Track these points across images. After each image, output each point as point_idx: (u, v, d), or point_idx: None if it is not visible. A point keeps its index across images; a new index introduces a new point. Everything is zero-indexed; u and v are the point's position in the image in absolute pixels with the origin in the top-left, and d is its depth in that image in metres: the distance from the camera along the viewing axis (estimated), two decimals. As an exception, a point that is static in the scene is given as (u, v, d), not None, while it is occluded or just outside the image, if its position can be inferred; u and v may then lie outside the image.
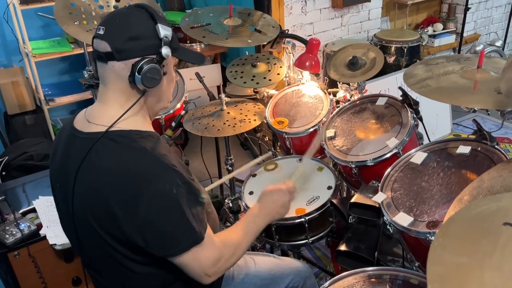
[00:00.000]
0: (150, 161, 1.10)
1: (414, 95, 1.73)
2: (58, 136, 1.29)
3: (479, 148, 1.48)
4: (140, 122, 1.19)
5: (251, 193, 1.82)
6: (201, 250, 1.12)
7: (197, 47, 3.58)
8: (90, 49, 2.54)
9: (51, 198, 1.96)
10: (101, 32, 1.13)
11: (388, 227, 1.38)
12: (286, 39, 2.31)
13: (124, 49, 1.11)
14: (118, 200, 1.09)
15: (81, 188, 1.14)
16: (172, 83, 1.28)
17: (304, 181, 1.80)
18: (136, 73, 1.12)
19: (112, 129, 1.13)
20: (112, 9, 2.18)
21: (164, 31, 1.14)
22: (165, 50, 1.14)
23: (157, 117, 2.09)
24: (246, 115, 2.04)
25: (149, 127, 1.22)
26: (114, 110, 1.16)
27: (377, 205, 1.44)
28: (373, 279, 1.28)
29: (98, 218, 1.13)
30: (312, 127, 1.95)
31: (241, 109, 2.11)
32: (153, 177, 1.08)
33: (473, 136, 1.53)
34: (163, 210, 1.09)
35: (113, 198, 1.09)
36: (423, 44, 3.66)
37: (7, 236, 1.78)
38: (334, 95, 2.14)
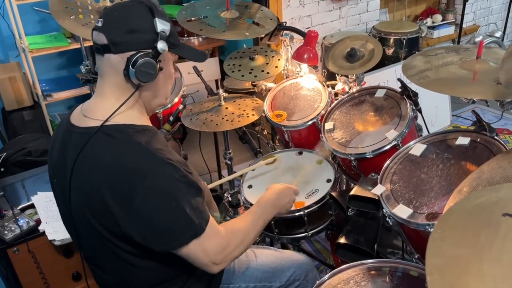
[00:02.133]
0: (145, 156, 1.09)
1: (413, 86, 1.72)
2: (56, 132, 1.29)
3: (478, 139, 1.47)
4: (136, 116, 1.19)
5: (250, 186, 1.82)
6: (203, 241, 1.11)
7: (194, 41, 3.55)
8: (86, 43, 2.54)
9: (50, 194, 1.96)
10: (100, 24, 1.12)
11: (387, 219, 1.38)
12: (284, 31, 2.29)
13: (120, 42, 1.11)
14: (114, 195, 1.08)
15: (77, 183, 1.14)
16: (170, 80, 1.26)
17: (302, 173, 1.81)
18: (131, 67, 1.11)
19: (107, 123, 1.13)
20: (108, 3, 2.17)
21: (162, 26, 1.13)
22: (161, 45, 1.13)
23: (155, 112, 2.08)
24: (244, 110, 2.04)
25: (145, 121, 1.21)
26: (110, 104, 1.15)
27: (377, 198, 1.44)
28: (372, 272, 1.28)
29: (95, 213, 1.13)
30: (311, 120, 1.94)
31: (239, 104, 2.10)
32: (148, 172, 1.08)
33: (473, 127, 1.52)
34: (159, 205, 1.08)
35: (108, 193, 1.08)
36: (422, 35, 3.64)
37: (6, 232, 1.78)
38: (333, 87, 2.12)
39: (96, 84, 1.21)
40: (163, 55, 1.16)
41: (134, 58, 1.10)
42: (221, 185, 2.84)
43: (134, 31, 1.11)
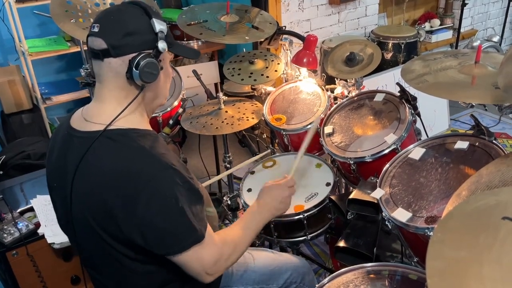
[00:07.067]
0: (149, 160, 1.09)
1: (412, 90, 1.73)
2: (54, 136, 1.28)
3: (477, 143, 1.48)
4: (137, 120, 1.19)
5: (249, 190, 1.82)
6: (201, 249, 1.11)
7: (194, 45, 3.56)
8: (86, 47, 2.54)
9: (49, 197, 1.96)
10: (96, 29, 1.12)
11: (386, 223, 1.38)
12: (284, 35, 2.31)
13: (120, 45, 1.11)
14: (117, 200, 1.08)
15: (80, 188, 1.14)
16: (169, 79, 1.27)
17: (301, 177, 1.81)
18: (134, 69, 1.11)
19: (110, 127, 1.13)
20: (109, 7, 2.17)
21: (159, 26, 1.14)
22: (162, 45, 1.14)
23: (154, 115, 2.08)
24: (244, 114, 2.04)
25: (147, 126, 1.22)
26: (111, 108, 1.15)
27: (376, 201, 1.44)
28: (372, 275, 1.28)
29: (96, 218, 1.13)
30: (310, 123, 1.95)
31: (239, 108, 2.11)
32: (151, 176, 1.08)
33: (471, 132, 1.53)
34: (162, 210, 1.08)
35: (111, 198, 1.08)
36: (421, 40, 3.66)
37: (5, 235, 1.78)
38: (332, 91, 2.13)
39: (95, 89, 1.20)
40: (162, 55, 1.16)
41: (137, 60, 1.11)
42: (220, 189, 2.84)
43: (133, 33, 1.12)
